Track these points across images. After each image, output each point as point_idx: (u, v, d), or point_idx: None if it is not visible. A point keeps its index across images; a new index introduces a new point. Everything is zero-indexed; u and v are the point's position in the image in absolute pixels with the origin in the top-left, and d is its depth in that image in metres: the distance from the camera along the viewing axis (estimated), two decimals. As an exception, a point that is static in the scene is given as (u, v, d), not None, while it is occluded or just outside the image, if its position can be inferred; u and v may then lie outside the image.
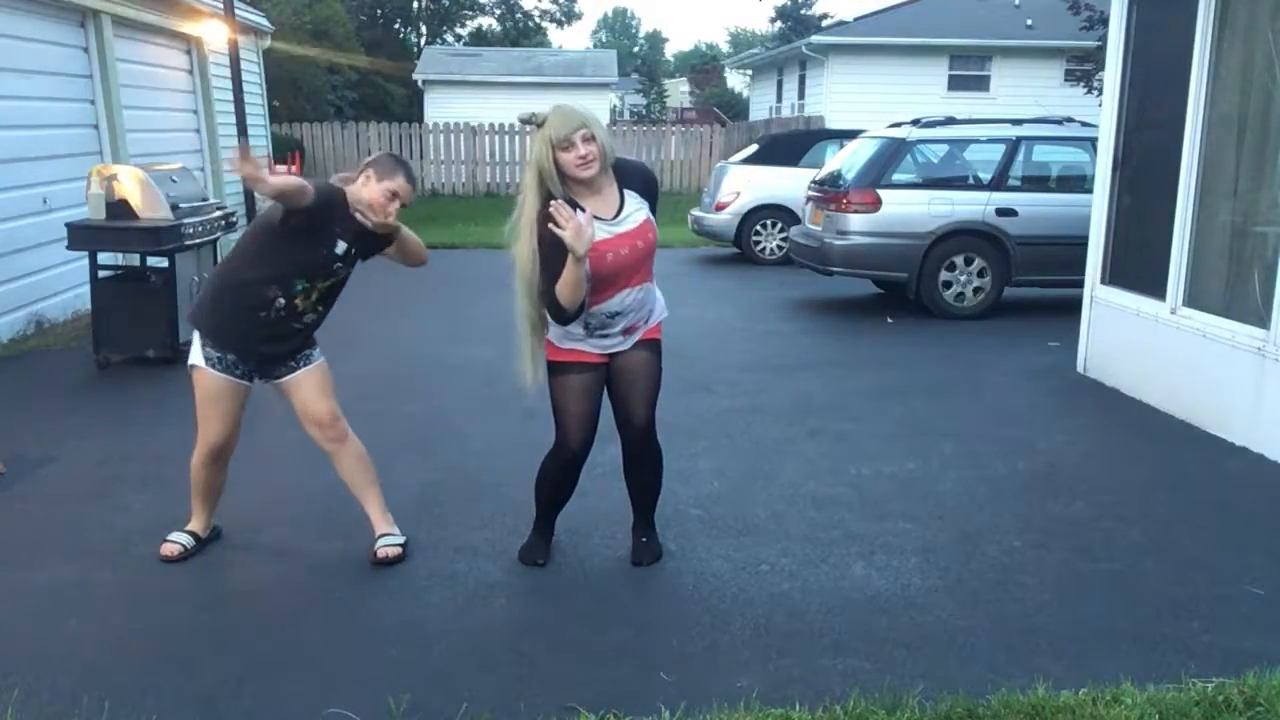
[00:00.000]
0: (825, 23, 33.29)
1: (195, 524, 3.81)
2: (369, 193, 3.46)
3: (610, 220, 3.30)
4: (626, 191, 3.36)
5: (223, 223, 7.10)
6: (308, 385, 3.65)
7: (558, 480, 3.65)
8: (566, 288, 3.17)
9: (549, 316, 3.31)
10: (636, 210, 3.36)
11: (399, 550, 3.71)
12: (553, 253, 3.16)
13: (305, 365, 3.66)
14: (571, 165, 3.19)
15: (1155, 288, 5.80)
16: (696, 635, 3.20)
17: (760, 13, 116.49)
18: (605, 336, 3.42)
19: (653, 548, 3.75)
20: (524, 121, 3.25)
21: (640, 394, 3.52)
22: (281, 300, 3.49)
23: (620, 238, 3.30)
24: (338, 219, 3.49)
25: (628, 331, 3.45)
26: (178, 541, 3.74)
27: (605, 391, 3.54)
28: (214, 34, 11.50)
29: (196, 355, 3.56)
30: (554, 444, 3.57)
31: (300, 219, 3.38)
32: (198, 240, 6.69)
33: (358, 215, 3.51)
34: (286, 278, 3.48)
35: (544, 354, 3.44)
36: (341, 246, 3.52)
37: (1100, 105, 6.68)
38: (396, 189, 3.45)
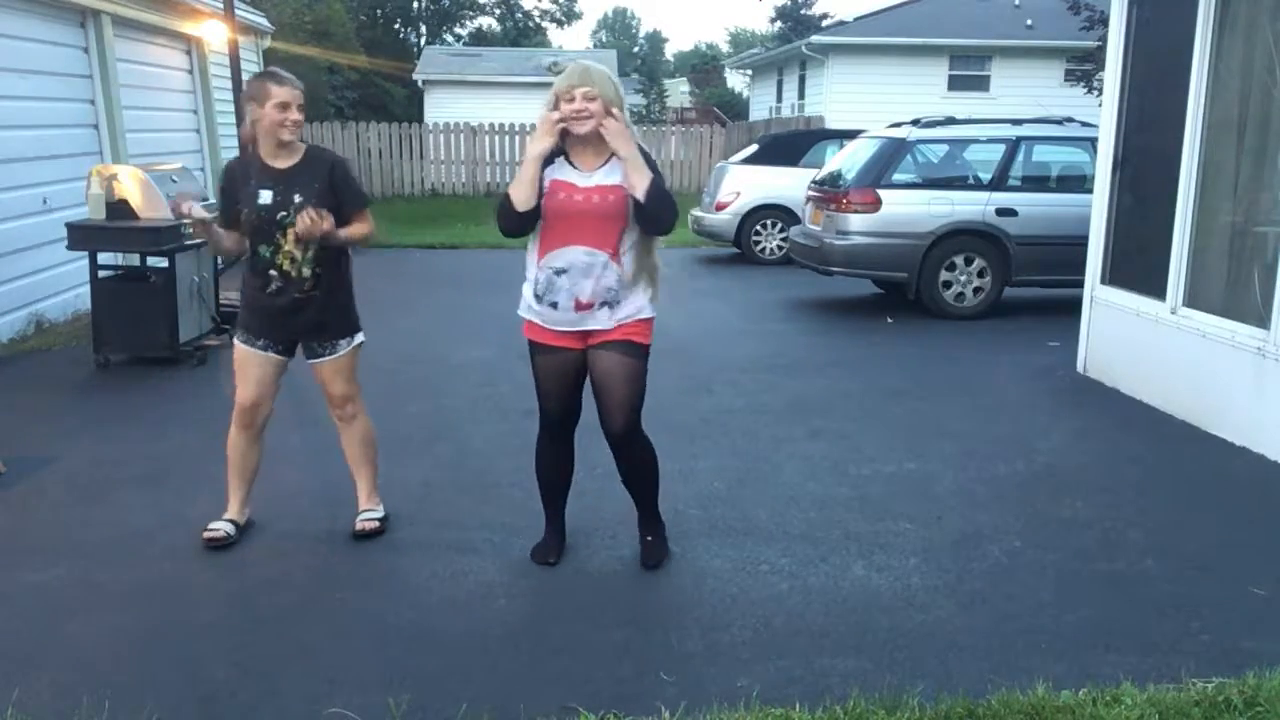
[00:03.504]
0: (825, 23, 33.27)
1: (232, 510, 3.90)
2: (265, 122, 3.55)
3: (584, 170, 3.36)
4: (616, 161, 3.35)
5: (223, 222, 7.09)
6: (329, 369, 3.81)
7: (547, 453, 3.67)
8: (520, 183, 3.32)
9: (497, 220, 3.41)
10: (612, 174, 3.35)
11: (377, 524, 3.87)
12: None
13: (332, 354, 3.79)
14: (565, 116, 3.29)
15: (1155, 288, 5.79)
16: (696, 635, 3.20)
17: (760, 13, 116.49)
18: (555, 307, 3.38)
19: (659, 548, 3.73)
20: (548, 69, 3.35)
21: (615, 399, 3.46)
22: (273, 272, 3.64)
23: (581, 188, 3.34)
24: (249, 177, 3.61)
25: (582, 307, 3.37)
26: (219, 528, 3.82)
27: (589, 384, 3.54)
28: (214, 34, 11.50)
29: (237, 335, 3.81)
30: (539, 420, 3.64)
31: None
32: (198, 240, 6.66)
33: (271, 161, 3.62)
34: (254, 252, 3.65)
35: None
36: (265, 195, 3.58)
37: (1100, 105, 6.68)
38: (281, 99, 3.53)
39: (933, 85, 21.43)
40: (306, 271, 3.65)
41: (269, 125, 3.55)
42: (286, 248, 3.62)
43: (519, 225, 3.37)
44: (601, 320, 3.41)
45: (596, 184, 3.34)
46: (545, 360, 3.50)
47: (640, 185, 3.28)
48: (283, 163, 3.63)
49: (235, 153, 10.58)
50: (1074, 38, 17.27)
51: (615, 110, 3.29)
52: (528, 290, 3.48)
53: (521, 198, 3.32)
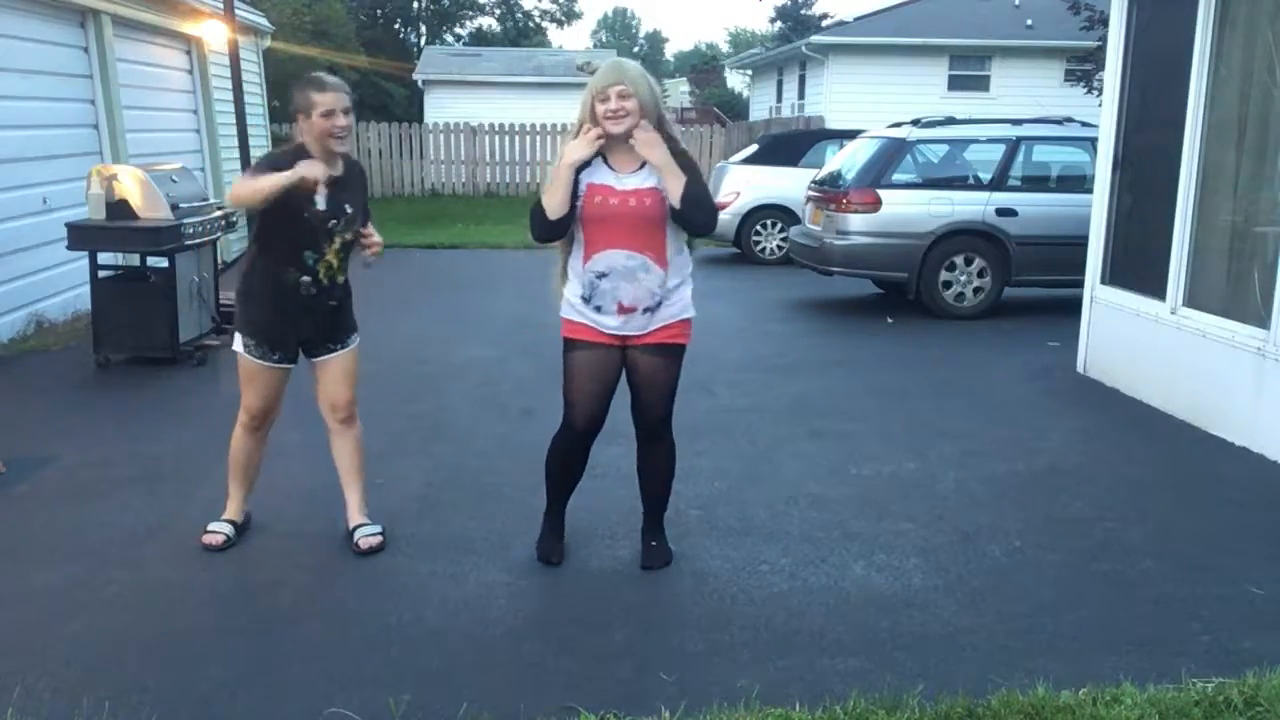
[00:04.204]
0: (825, 23, 33.26)
1: (231, 510, 3.88)
2: (315, 132, 3.49)
3: (621, 173, 3.34)
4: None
5: (222, 223, 7.10)
6: (337, 368, 3.77)
7: (565, 458, 3.64)
8: (553, 190, 3.30)
9: (530, 226, 3.41)
10: (649, 176, 3.34)
11: (381, 539, 3.79)
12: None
13: (342, 349, 3.77)
14: (602, 116, 3.28)
15: (1155, 288, 5.80)
16: (696, 635, 3.20)
17: (760, 13, 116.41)
18: (600, 310, 3.39)
19: (662, 552, 3.72)
20: (580, 68, 3.36)
21: (652, 398, 3.50)
22: (306, 278, 3.56)
23: (618, 191, 3.33)
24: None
25: (624, 310, 3.37)
26: (220, 531, 3.80)
27: (625, 378, 3.52)
28: (214, 34, 11.49)
29: (237, 343, 3.69)
30: (561, 421, 3.58)
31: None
32: (198, 240, 6.69)
33: (322, 167, 3.50)
34: (296, 254, 3.53)
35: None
36: (321, 200, 3.49)
37: (1100, 105, 6.68)
38: (326, 106, 3.46)
39: (933, 85, 21.43)
40: (341, 279, 3.66)
41: (319, 135, 3.48)
42: (329, 257, 3.58)
43: (550, 232, 3.37)
44: (643, 324, 3.41)
45: (634, 187, 3.34)
46: (583, 355, 3.45)
47: (675, 192, 3.29)
48: (332, 170, 3.57)
49: (235, 153, 10.49)
50: (1074, 38, 17.27)
51: (644, 121, 3.28)
52: (572, 293, 3.45)
53: (553, 204, 3.31)
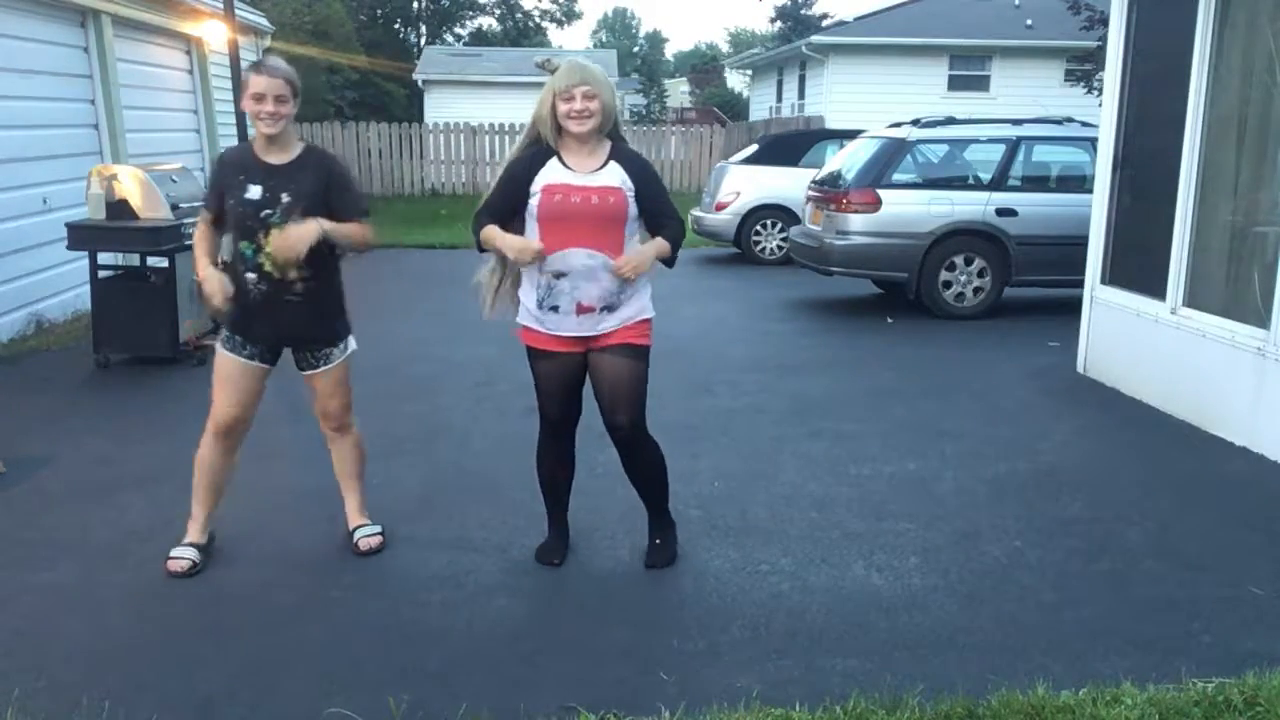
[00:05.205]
0: (825, 23, 33.28)
1: (193, 532, 3.69)
2: (247, 110, 3.48)
3: (579, 171, 3.34)
4: (615, 164, 3.38)
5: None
6: (324, 382, 3.70)
7: (549, 453, 3.65)
8: (491, 239, 3.38)
9: (471, 231, 3.49)
10: (612, 176, 3.35)
11: (380, 539, 3.79)
12: (502, 187, 3.42)
13: (326, 365, 3.67)
14: (565, 116, 3.28)
15: (1155, 288, 5.80)
16: (696, 635, 3.20)
17: (760, 13, 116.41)
18: (555, 310, 3.37)
19: (665, 551, 3.71)
20: (539, 65, 3.39)
21: (619, 402, 3.43)
22: (252, 275, 3.49)
23: (579, 188, 3.31)
24: (236, 170, 3.50)
25: (584, 310, 3.35)
26: (184, 557, 3.62)
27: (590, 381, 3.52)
28: (214, 34, 11.50)
29: (221, 341, 3.68)
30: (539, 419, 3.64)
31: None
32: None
33: (264, 156, 3.50)
34: (233, 246, 3.52)
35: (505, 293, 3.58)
36: (254, 190, 3.44)
37: (1100, 105, 6.68)
38: (255, 90, 3.40)
39: (933, 85, 21.43)
40: (293, 274, 3.48)
41: (251, 116, 3.46)
42: (269, 249, 3.43)
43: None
44: (603, 324, 3.39)
45: (600, 184, 3.32)
46: (545, 365, 3.47)
47: (666, 256, 3.43)
48: (275, 158, 3.48)
49: (235, 153, 10.41)
50: (1074, 38, 17.27)
51: (615, 262, 3.31)
52: (526, 297, 3.46)
53: (483, 247, 3.44)
